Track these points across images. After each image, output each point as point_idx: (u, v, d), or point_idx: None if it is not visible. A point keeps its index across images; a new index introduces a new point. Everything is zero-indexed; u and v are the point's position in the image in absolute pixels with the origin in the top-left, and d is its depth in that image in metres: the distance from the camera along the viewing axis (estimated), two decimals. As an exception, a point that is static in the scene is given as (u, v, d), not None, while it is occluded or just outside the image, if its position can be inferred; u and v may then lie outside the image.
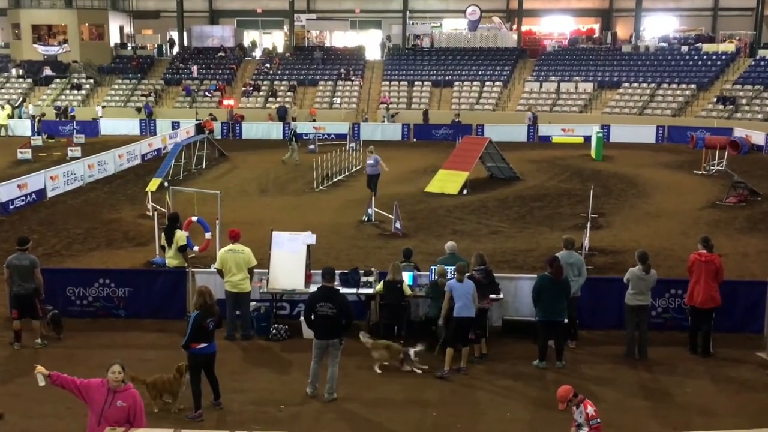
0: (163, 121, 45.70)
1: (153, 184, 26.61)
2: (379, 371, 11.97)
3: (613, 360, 12.63)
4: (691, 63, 48.78)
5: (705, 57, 48.77)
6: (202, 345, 10.41)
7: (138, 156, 34.98)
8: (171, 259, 15.08)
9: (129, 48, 57.79)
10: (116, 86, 52.48)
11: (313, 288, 12.32)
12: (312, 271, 13.82)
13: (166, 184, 25.74)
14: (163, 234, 15.42)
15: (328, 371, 11.08)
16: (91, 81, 52.74)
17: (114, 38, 57.39)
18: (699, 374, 12.15)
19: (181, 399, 10.70)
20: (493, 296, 13.11)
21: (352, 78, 51.91)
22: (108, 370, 7.82)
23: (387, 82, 51.63)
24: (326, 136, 42.41)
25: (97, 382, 7.86)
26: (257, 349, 13.18)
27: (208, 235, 17.76)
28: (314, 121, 46.26)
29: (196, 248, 17.55)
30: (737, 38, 51.10)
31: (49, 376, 7.83)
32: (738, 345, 13.11)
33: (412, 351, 12.13)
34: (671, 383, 11.80)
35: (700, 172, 30.93)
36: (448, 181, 27.19)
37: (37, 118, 43.94)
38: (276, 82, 51.82)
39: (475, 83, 50.47)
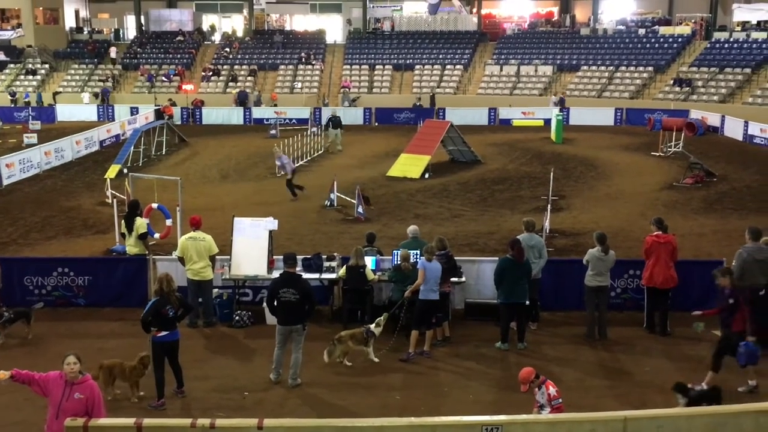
0: (121, 106, 45.02)
1: (112, 171, 26.23)
2: (349, 364, 11.90)
3: (573, 340, 12.81)
4: (648, 46, 49.36)
5: (662, 40, 49.38)
6: (164, 333, 10.36)
7: (96, 142, 34.46)
8: (131, 247, 14.95)
9: (85, 32, 56.73)
10: (72, 71, 51.55)
11: (276, 274, 12.29)
12: (274, 257, 13.78)
13: (125, 170, 25.42)
14: (123, 221, 15.25)
15: (291, 357, 11.08)
16: (47, 66, 51.72)
17: (69, 22, 56.27)
18: (657, 353, 12.38)
19: (141, 387, 10.65)
20: (454, 279, 13.20)
21: (313, 62, 51.62)
22: (63, 361, 7.74)
23: (348, 66, 51.45)
24: (287, 120, 42.17)
25: (55, 374, 7.77)
26: (220, 336, 13.12)
27: (168, 222, 17.61)
28: (275, 105, 45.96)
29: (156, 235, 17.43)
30: (693, 21, 51.79)
31: (11, 376, 7.74)
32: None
33: (372, 326, 12.14)
34: (630, 362, 12.02)
35: (657, 154, 31.38)
36: (410, 165, 27.24)
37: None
38: (236, 67, 51.34)
39: (436, 67, 50.51)
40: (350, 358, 11.92)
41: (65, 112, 44.46)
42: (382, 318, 12.26)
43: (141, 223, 14.93)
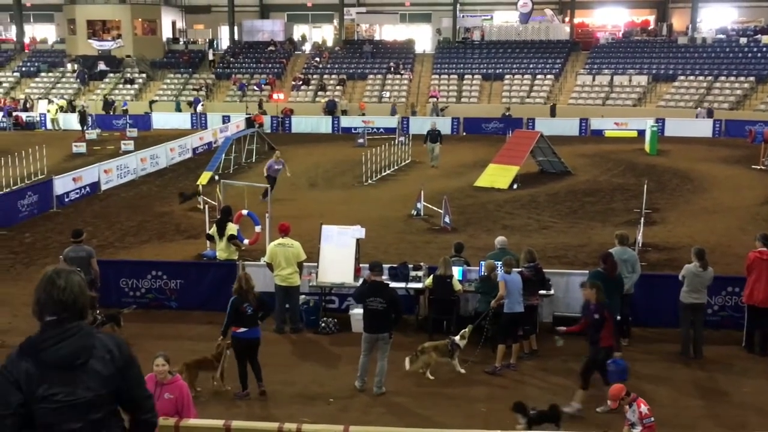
0: (213, 115, 46.22)
1: (204, 178, 26.92)
2: (431, 377, 11.76)
3: (667, 358, 12.37)
4: (750, 55, 47.47)
5: (764, 49, 47.36)
6: (243, 330, 10.68)
7: (189, 150, 35.44)
8: (221, 252, 15.24)
9: (181, 42, 58.58)
10: (168, 80, 53.25)
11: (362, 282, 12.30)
12: (361, 265, 13.80)
13: (216, 177, 26.02)
14: (214, 226, 15.58)
15: (377, 365, 11.05)
16: (144, 75, 53.60)
17: (166, 33, 58.22)
18: (756, 373, 11.85)
19: (227, 381, 10.95)
20: (542, 292, 12.95)
21: (402, 72, 51.79)
22: (153, 363, 7.91)
23: (437, 76, 51.39)
24: (375, 129, 42.42)
25: (149, 376, 7.95)
26: (306, 342, 13.22)
27: (258, 229, 17.88)
28: (363, 114, 46.32)
29: (246, 241, 17.70)
30: (797, 29, 49.60)
31: None
32: (798, 345, 12.70)
33: (456, 338, 11.99)
34: (727, 382, 11.53)
35: (758, 167, 30.13)
36: (498, 176, 26.94)
37: (86, 112, 44.53)
38: (325, 76, 51.98)
39: (526, 77, 49.92)
40: (433, 370, 11.76)
41: (160, 120, 45.95)
42: (466, 330, 12.09)
43: (232, 227, 15.23)
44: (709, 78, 46.22)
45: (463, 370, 11.81)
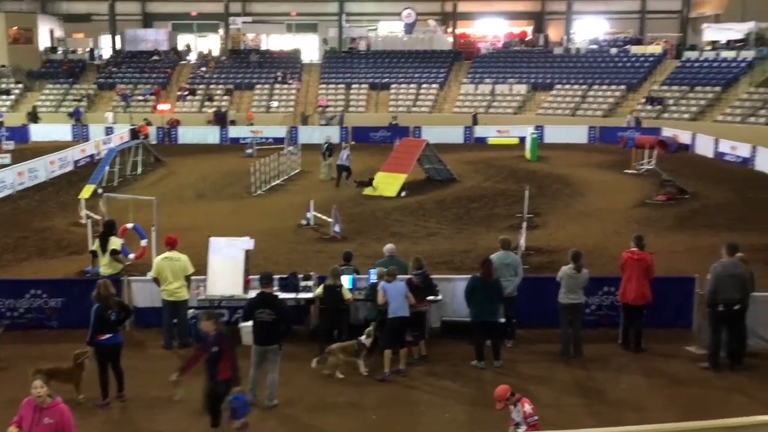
0: (96, 126, 44.74)
1: (86, 191, 26.04)
2: (341, 376, 11.95)
3: (549, 358, 12.87)
4: (620, 65, 50.00)
5: (633, 59, 50.06)
6: (107, 336, 10.83)
7: (70, 162, 34.21)
8: (105, 267, 14.81)
9: (60, 52, 56.42)
10: (47, 91, 51.22)
11: (252, 294, 12.26)
12: (251, 277, 13.74)
13: (99, 190, 25.24)
14: (97, 241, 15.15)
15: (267, 377, 11.04)
16: (21, 86, 51.34)
17: (44, 42, 55.95)
18: (632, 370, 12.47)
19: (83, 389, 11.02)
20: (431, 298, 13.24)
21: (290, 81, 51.71)
22: (30, 386, 7.68)
23: (324, 85, 51.60)
24: (264, 140, 42.13)
25: (27, 400, 7.69)
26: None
27: (143, 243, 17.49)
28: (252, 124, 45.96)
29: (131, 256, 17.31)
30: (664, 40, 52.65)
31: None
32: (668, 340, 13.47)
33: (363, 337, 12.20)
34: (605, 380, 12.10)
35: (630, 172, 31.72)
36: (386, 184, 27.31)
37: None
38: (212, 86, 51.28)
39: (411, 86, 50.80)
40: (325, 377, 11.92)
41: (39, 132, 44.11)
42: (371, 328, 12.35)
43: (115, 241, 14.85)
44: (584, 86, 48.35)
45: (366, 371, 12.04)
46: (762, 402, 10.98)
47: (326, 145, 31.47)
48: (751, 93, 42.76)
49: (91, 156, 36.45)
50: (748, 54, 45.68)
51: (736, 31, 48.38)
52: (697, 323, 13.39)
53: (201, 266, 14.22)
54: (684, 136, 39.14)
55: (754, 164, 32.84)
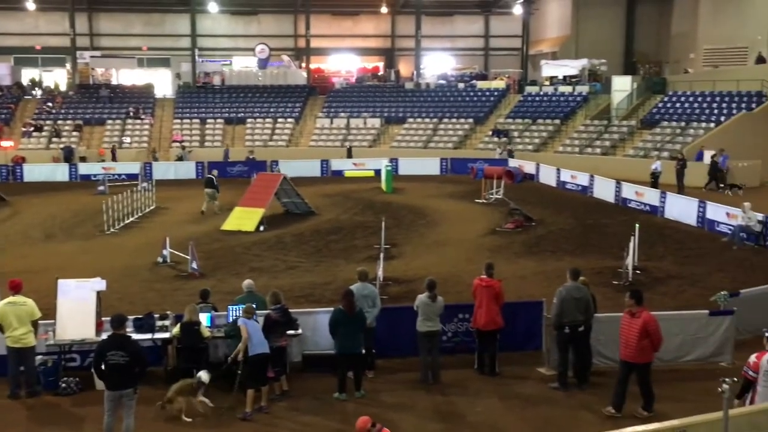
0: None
1: None
2: (188, 419, 11.68)
3: (409, 386, 13.13)
4: (468, 99, 52.15)
5: (480, 93, 52.39)
6: None
7: None
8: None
9: None
10: None
11: (105, 336, 11.86)
12: (103, 319, 13.27)
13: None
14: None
15: (123, 424, 10.68)
16: None
17: None
18: (488, 393, 12.91)
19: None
20: (291, 332, 13.26)
21: (142, 116, 50.45)
22: None
23: (179, 120, 50.71)
24: (117, 176, 40.77)
25: None
26: (45, 406, 12.42)
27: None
28: (103, 161, 44.41)
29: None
30: (507, 76, 55.53)
31: None
32: (521, 362, 14.07)
33: (201, 373, 12.06)
34: (463, 404, 12.48)
35: (481, 201, 33.01)
36: (244, 219, 27.10)
37: None
38: (60, 122, 49.22)
39: (267, 120, 50.80)
40: (188, 412, 11.75)
41: None
42: (207, 373, 12.24)
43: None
44: (435, 120, 50.04)
45: (210, 404, 11.99)
46: (607, 418, 11.69)
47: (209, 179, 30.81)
48: (587, 125, 45.63)
49: (-77, 197, 34.03)
50: (583, 89, 48.98)
51: (570, 67, 51.75)
52: (547, 345, 14.00)
53: (49, 310, 13.59)
54: (529, 167, 41.14)
55: (593, 192, 34.95)
